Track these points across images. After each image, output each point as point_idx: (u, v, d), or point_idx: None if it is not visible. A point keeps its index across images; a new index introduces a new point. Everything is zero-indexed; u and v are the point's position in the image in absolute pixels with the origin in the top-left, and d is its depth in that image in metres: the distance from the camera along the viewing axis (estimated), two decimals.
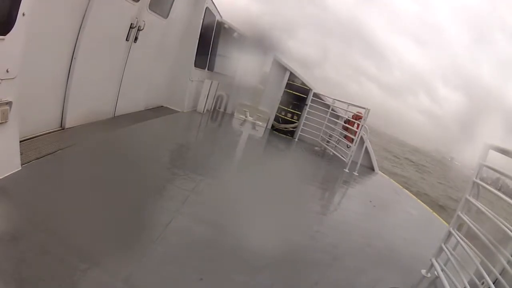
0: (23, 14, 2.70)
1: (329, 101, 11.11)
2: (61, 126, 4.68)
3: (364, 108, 9.17)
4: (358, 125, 9.29)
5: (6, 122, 2.85)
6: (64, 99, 4.61)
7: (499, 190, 3.04)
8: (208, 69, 10.88)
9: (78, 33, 4.49)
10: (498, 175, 3.20)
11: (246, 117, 12.06)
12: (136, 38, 6.11)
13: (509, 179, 2.99)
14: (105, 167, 4.11)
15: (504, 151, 3.21)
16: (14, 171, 3.06)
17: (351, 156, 9.01)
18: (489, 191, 3.40)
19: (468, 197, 3.60)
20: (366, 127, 9.13)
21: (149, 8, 6.27)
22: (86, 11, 4.47)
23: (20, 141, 3.23)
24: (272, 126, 11.84)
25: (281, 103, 11.61)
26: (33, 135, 4.04)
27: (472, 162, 3.68)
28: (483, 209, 3.27)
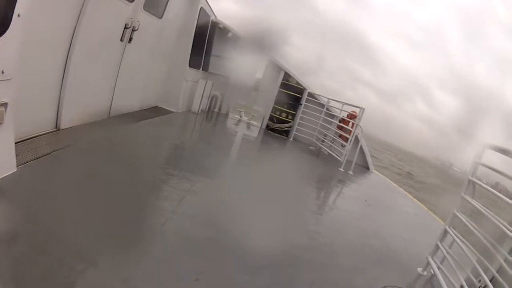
0: (19, 15, 2.68)
1: (323, 101, 11.13)
2: (56, 127, 4.65)
3: (358, 107, 9.22)
4: (353, 124, 9.33)
5: (1, 123, 2.83)
6: (59, 100, 4.59)
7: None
8: (202, 69, 10.87)
9: (73, 34, 4.46)
10: (497, 179, 3.23)
11: (241, 117, 12.07)
12: (130, 39, 6.09)
13: (505, 176, 3.01)
14: (100, 168, 4.09)
15: (500, 150, 3.24)
16: (10, 173, 3.04)
17: (346, 155, 9.05)
18: (485, 189, 3.42)
19: (464, 196, 3.62)
20: (361, 126, 9.17)
21: (144, 9, 6.26)
22: (81, 11, 4.45)
23: (16, 143, 3.20)
24: (267, 126, 11.84)
25: (275, 102, 11.62)
26: (29, 136, 4.01)
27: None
28: (479, 207, 3.30)
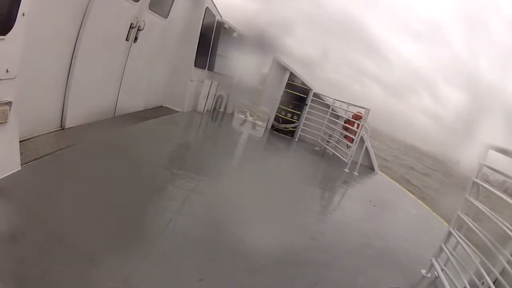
0: (23, 14, 2.70)
1: (329, 101, 11.10)
2: (61, 126, 4.67)
3: (364, 108, 9.18)
4: (358, 125, 9.29)
5: (6, 122, 2.84)
6: (64, 99, 4.61)
7: (505, 192, 3.04)
8: (208, 69, 10.88)
9: (78, 33, 4.48)
10: (504, 177, 3.20)
11: (246, 117, 12.06)
12: (136, 38, 6.11)
13: (508, 178, 2.99)
14: (105, 167, 4.10)
15: (504, 151, 3.22)
16: (14, 171, 3.06)
17: (351, 156, 9.01)
18: (489, 191, 3.40)
19: (468, 197, 3.60)
20: (367, 127, 9.13)
21: (149, 8, 6.27)
22: (86, 11, 4.47)
23: (20, 141, 3.22)
24: (272, 126, 11.82)
25: (281, 103, 11.59)
26: (33, 135, 4.03)
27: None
28: (483, 209, 3.27)
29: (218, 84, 11.07)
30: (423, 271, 3.95)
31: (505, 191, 3.12)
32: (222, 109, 12.25)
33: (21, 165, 3.18)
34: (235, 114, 12.19)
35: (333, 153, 10.35)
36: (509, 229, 2.77)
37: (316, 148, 11.02)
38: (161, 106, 9.24)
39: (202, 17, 9.14)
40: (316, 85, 11.48)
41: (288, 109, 11.56)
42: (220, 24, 11.10)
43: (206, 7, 9.21)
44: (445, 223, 6.25)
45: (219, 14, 10.74)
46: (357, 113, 9.90)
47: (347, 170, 8.79)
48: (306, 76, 11.54)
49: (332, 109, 10.89)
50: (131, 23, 5.81)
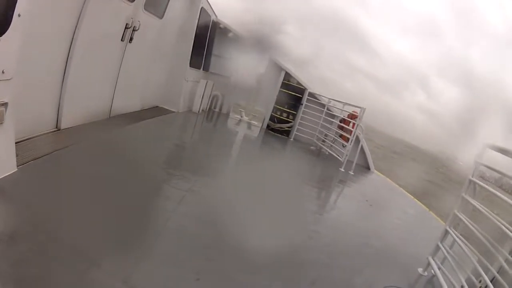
0: (19, 15, 2.69)
1: (324, 101, 11.11)
2: (57, 127, 4.66)
3: (359, 107, 9.20)
4: (354, 124, 9.31)
5: (1, 123, 2.83)
6: (60, 99, 4.59)
7: (500, 188, 3.05)
8: (203, 69, 10.86)
9: (74, 34, 4.47)
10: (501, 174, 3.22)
11: (241, 117, 12.06)
12: (131, 38, 6.09)
13: (506, 177, 3.01)
14: (101, 168, 4.09)
15: (501, 150, 3.24)
16: (10, 173, 3.04)
17: (346, 155, 9.02)
18: (486, 189, 3.42)
19: (465, 196, 3.61)
20: (362, 126, 9.16)
21: (145, 8, 6.26)
22: (81, 11, 4.45)
23: (16, 143, 3.21)
24: (268, 126, 11.82)
25: (276, 102, 11.60)
26: (29, 136, 4.01)
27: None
28: (479, 207, 3.29)
29: (213, 84, 11.06)
30: (420, 270, 3.96)
31: (500, 187, 3.13)
32: (217, 109, 12.24)
33: (17, 166, 3.17)
34: (230, 114, 12.19)
35: (328, 152, 10.35)
36: (506, 227, 2.79)
37: (311, 147, 11.04)
38: (157, 106, 9.22)
39: (198, 17, 9.11)
40: (312, 84, 11.49)
41: (284, 108, 11.57)
42: (216, 24, 11.08)
43: (202, 7, 9.19)
44: (441, 221, 6.28)
45: (215, 14, 10.72)
46: (353, 113, 9.92)
47: (342, 170, 8.81)
48: (301, 76, 11.55)
49: (328, 109, 10.90)
50: (127, 23, 5.80)
